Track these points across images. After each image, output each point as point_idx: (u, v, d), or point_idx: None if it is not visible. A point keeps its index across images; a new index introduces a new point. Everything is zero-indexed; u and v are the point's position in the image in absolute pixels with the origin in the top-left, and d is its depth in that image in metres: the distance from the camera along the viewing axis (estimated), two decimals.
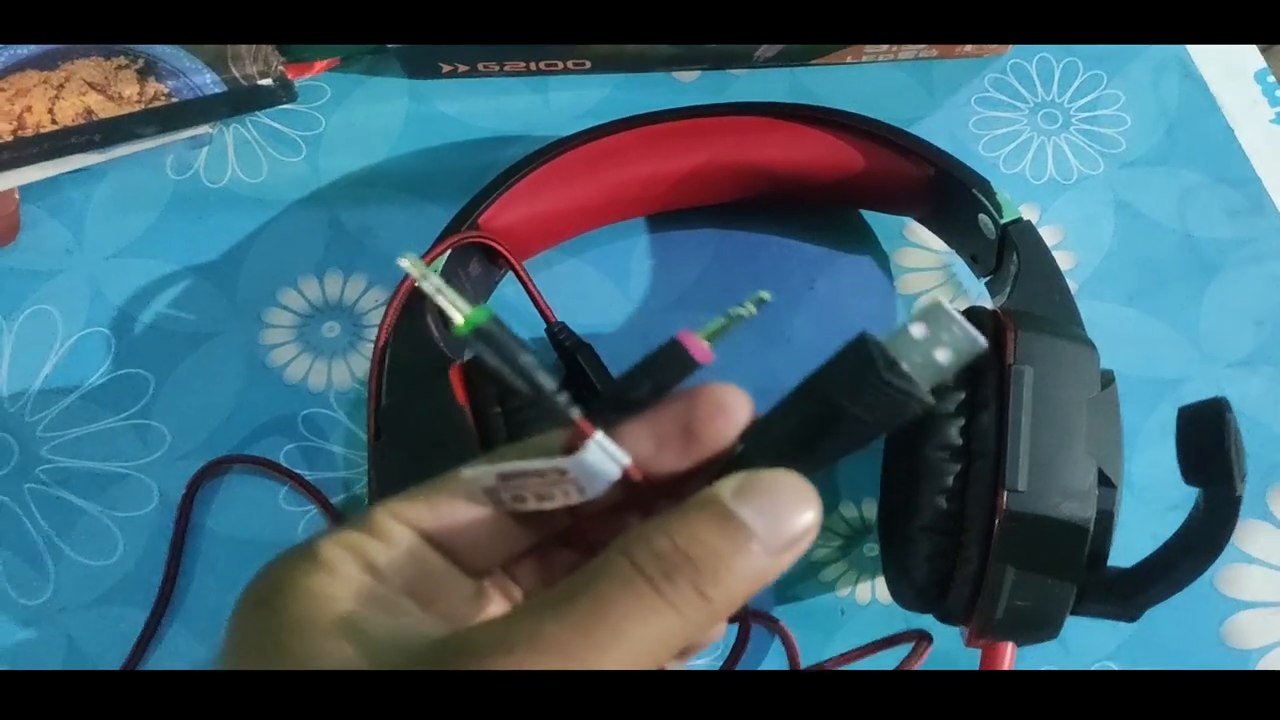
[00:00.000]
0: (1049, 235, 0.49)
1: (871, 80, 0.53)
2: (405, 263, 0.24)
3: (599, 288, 0.49)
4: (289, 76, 0.50)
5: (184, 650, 0.44)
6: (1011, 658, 0.38)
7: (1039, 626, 0.37)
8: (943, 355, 0.23)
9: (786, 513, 0.22)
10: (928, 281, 0.49)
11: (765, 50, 0.52)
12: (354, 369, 0.47)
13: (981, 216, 0.44)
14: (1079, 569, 0.36)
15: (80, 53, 0.49)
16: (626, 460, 0.23)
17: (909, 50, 0.53)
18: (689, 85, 0.53)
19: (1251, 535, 0.46)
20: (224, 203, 0.50)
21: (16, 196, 0.50)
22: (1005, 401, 0.36)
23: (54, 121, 0.48)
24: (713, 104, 0.47)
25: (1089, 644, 0.44)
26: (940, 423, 0.37)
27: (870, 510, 0.46)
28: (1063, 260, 0.48)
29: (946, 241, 0.48)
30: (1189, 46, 0.54)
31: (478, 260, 0.45)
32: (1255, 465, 0.37)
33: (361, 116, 0.52)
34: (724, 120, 0.46)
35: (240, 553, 0.45)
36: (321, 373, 0.47)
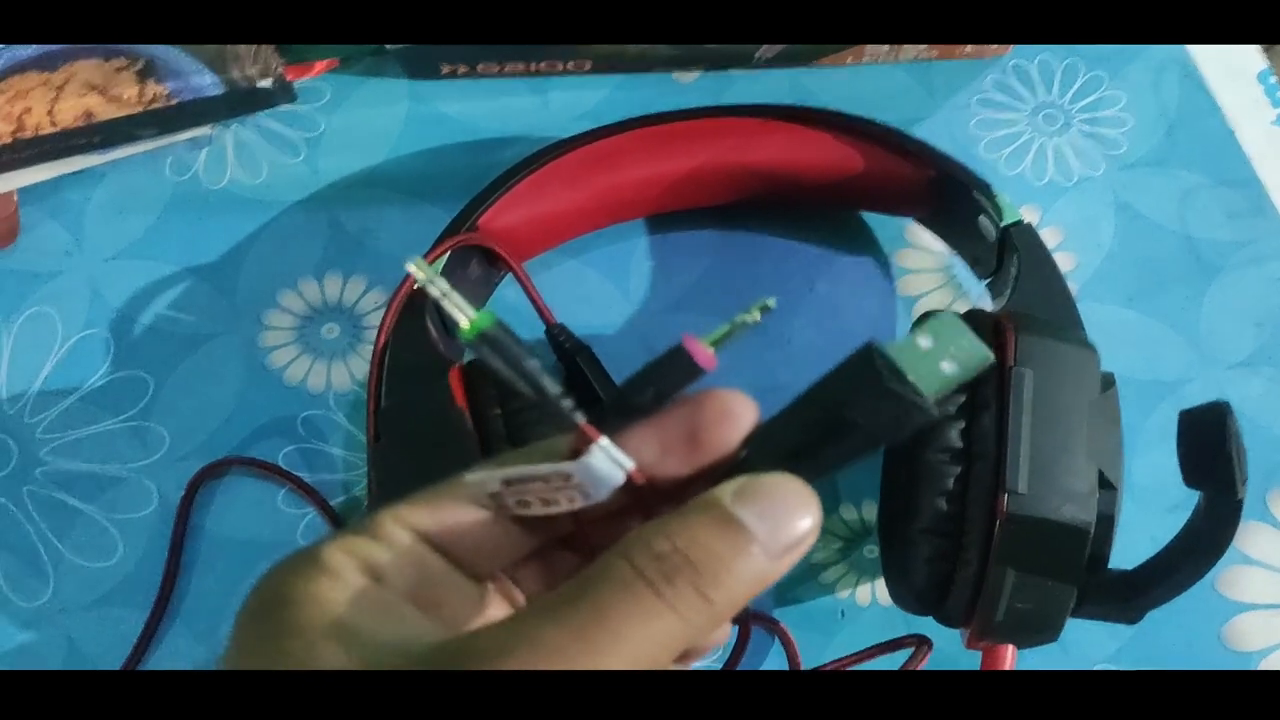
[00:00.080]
0: (1049, 237, 0.49)
1: (872, 81, 0.53)
2: (412, 267, 0.24)
3: (599, 289, 0.49)
4: (288, 78, 0.50)
5: (183, 651, 0.44)
6: (1012, 660, 0.38)
7: (1039, 629, 0.37)
8: (949, 367, 0.23)
9: (787, 516, 0.22)
10: (928, 283, 0.49)
11: (765, 51, 0.52)
12: (353, 371, 0.47)
13: (982, 218, 0.44)
14: (1079, 571, 0.36)
15: (80, 54, 0.49)
16: (631, 465, 0.23)
17: (909, 51, 0.53)
18: (689, 86, 0.53)
19: (1252, 537, 0.46)
20: (223, 204, 0.50)
21: (16, 198, 0.50)
22: (1006, 404, 0.36)
23: (53, 123, 0.48)
24: (713, 105, 0.47)
25: (1089, 646, 0.44)
26: (940, 425, 0.37)
27: (870, 512, 0.46)
28: (1063, 262, 0.48)
29: (947, 243, 0.48)
30: (1190, 47, 0.54)
31: (477, 262, 0.45)
32: (1256, 467, 0.37)
33: (361, 118, 0.52)
34: (724, 122, 0.46)
35: (239, 554, 0.45)
36: (321, 374, 0.47)
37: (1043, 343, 0.37)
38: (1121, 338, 0.48)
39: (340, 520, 0.45)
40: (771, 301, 0.24)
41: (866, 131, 0.46)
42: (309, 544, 0.24)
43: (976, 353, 0.23)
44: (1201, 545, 0.34)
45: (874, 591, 0.45)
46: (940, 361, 0.23)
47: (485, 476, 0.24)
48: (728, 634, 0.26)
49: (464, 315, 0.23)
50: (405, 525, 0.24)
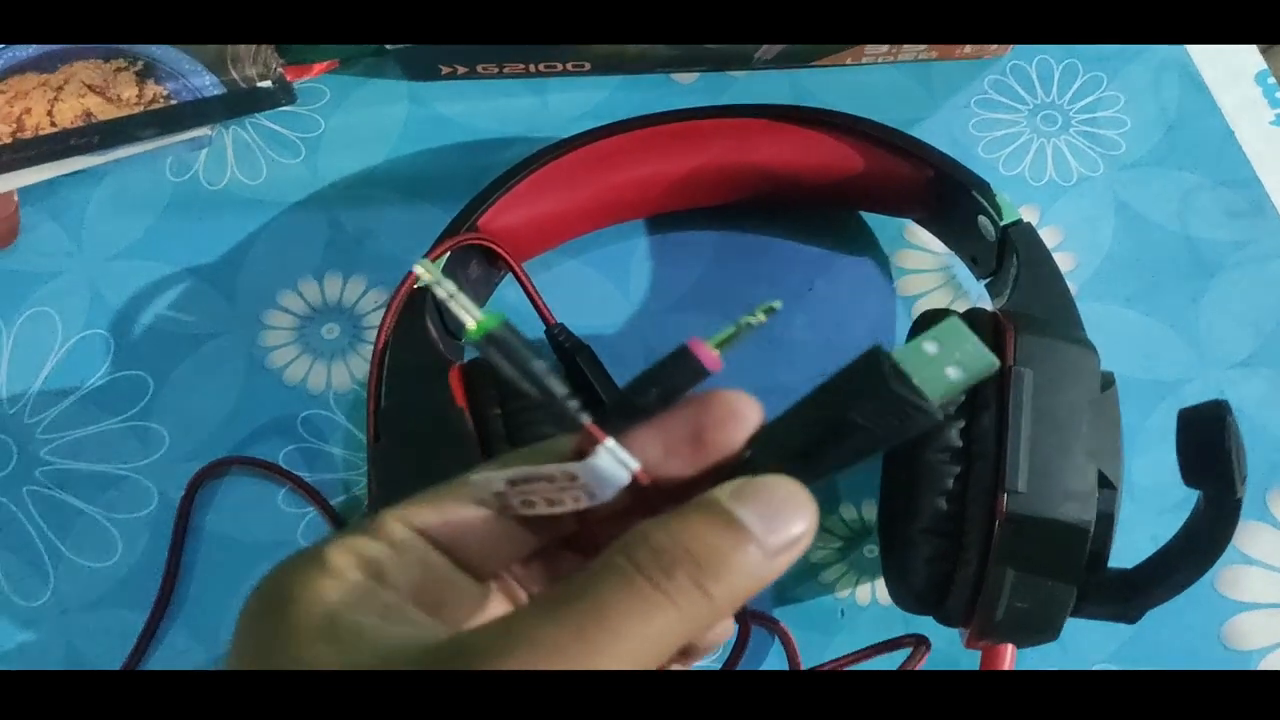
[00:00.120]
0: (1049, 237, 0.49)
1: (871, 82, 0.53)
2: (419, 269, 0.24)
3: (599, 289, 0.49)
4: (288, 78, 0.50)
5: (183, 651, 0.44)
6: (1011, 660, 0.38)
7: (1039, 628, 0.37)
8: (954, 373, 0.23)
9: (783, 515, 0.23)
10: (928, 283, 0.49)
11: (765, 52, 0.52)
12: (353, 371, 0.47)
13: (981, 218, 0.44)
14: (1079, 571, 0.36)
15: (79, 55, 0.49)
16: (636, 466, 0.23)
17: (908, 52, 0.53)
18: (688, 87, 0.53)
19: (1252, 537, 0.46)
20: (223, 205, 0.50)
21: (16, 199, 0.50)
22: (1005, 403, 0.36)
23: (53, 124, 0.48)
24: (712, 106, 0.47)
25: (1089, 646, 0.44)
26: (940, 425, 0.37)
27: (870, 512, 0.46)
28: (1062, 262, 0.48)
29: (946, 243, 0.48)
30: (1189, 48, 0.54)
31: (477, 262, 0.45)
32: (1255, 467, 0.37)
33: (361, 118, 0.52)
34: (723, 122, 0.46)
35: (239, 554, 0.45)
36: (321, 374, 0.47)
37: (1042, 342, 0.37)
38: (1121, 337, 0.48)
39: (341, 520, 0.45)
40: (777, 304, 0.24)
41: (866, 132, 0.46)
42: (311, 544, 0.24)
43: (982, 359, 0.23)
44: (1201, 544, 0.34)
45: (874, 591, 0.45)
46: (945, 367, 0.23)
47: (490, 476, 0.24)
48: (729, 634, 0.26)
49: (471, 316, 0.23)
50: (408, 525, 0.24)
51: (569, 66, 0.52)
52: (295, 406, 0.47)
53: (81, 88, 0.48)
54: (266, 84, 0.49)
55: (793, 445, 0.24)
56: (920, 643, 0.42)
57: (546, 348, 0.45)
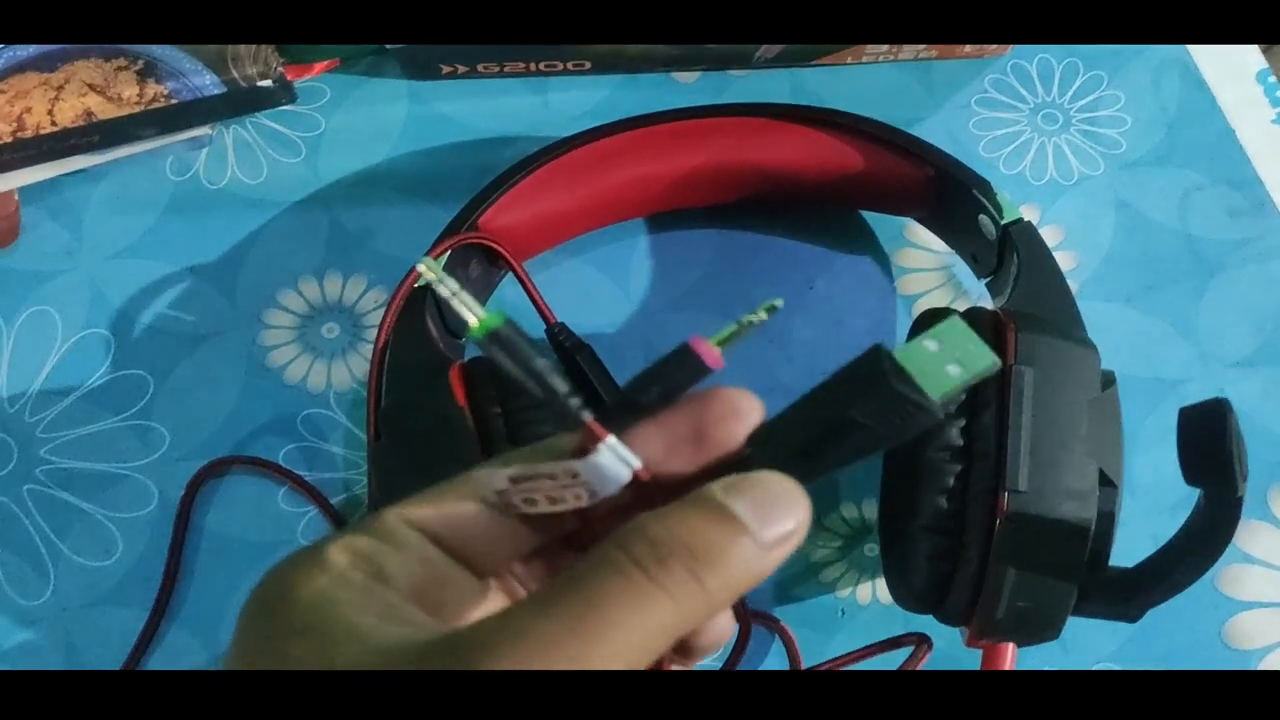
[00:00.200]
0: (1049, 236, 0.49)
1: (871, 81, 0.53)
2: (422, 267, 0.24)
3: (599, 288, 0.49)
4: (288, 78, 0.50)
5: (184, 650, 0.44)
6: (1012, 658, 0.38)
7: (1040, 627, 0.37)
8: (955, 371, 0.23)
9: (777, 509, 0.23)
10: (928, 282, 0.49)
11: (765, 51, 0.52)
12: (353, 370, 0.47)
13: (982, 217, 0.44)
14: (1080, 569, 0.36)
15: (80, 54, 0.49)
16: (637, 463, 0.23)
17: (909, 51, 0.53)
18: (689, 86, 0.53)
19: (1252, 536, 0.46)
20: (224, 204, 0.50)
21: (16, 198, 0.50)
22: (1006, 402, 0.36)
23: (54, 123, 0.48)
24: (712, 105, 0.47)
25: (1089, 644, 0.44)
26: (941, 424, 0.37)
27: (871, 511, 0.46)
28: (1063, 261, 0.48)
29: (947, 242, 0.48)
30: (1189, 47, 0.54)
31: (477, 261, 0.45)
32: (1256, 465, 0.37)
33: (361, 118, 0.52)
34: (724, 121, 0.46)
35: (240, 553, 0.45)
36: (321, 373, 0.47)
37: (1043, 341, 0.37)
38: (1122, 336, 0.48)
39: (341, 518, 0.45)
40: (779, 302, 0.24)
41: (866, 131, 0.46)
42: (311, 542, 0.24)
43: (983, 358, 0.23)
44: (1202, 543, 0.34)
45: (874, 590, 0.45)
46: (946, 365, 0.23)
47: (492, 473, 0.24)
48: (729, 634, 0.26)
49: (473, 314, 0.23)
50: (409, 523, 0.24)
51: (569, 66, 0.52)
52: (295, 405, 0.47)
53: (82, 87, 0.48)
54: (267, 83, 0.49)
55: (793, 443, 0.24)
56: (922, 641, 0.42)
57: (547, 347, 0.45)
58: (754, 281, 0.49)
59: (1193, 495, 0.35)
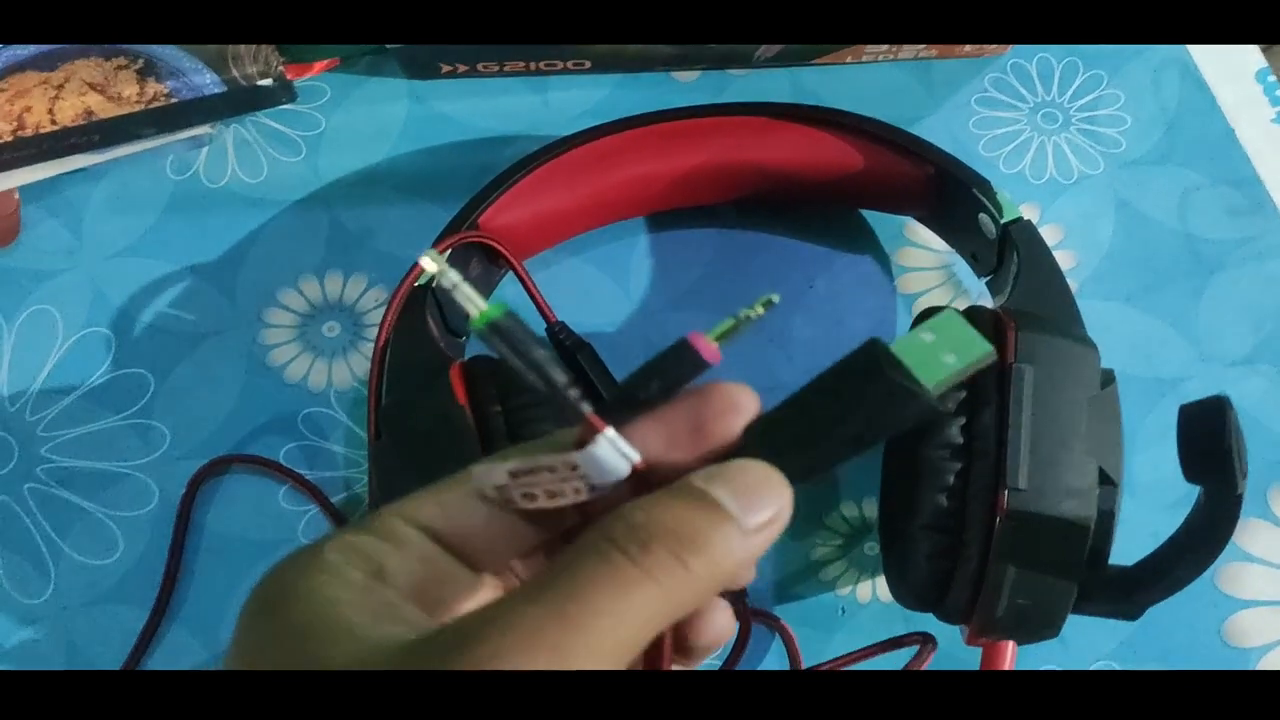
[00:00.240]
0: (1049, 235, 0.49)
1: (871, 80, 0.53)
2: (425, 259, 0.24)
3: (599, 287, 0.49)
4: (289, 77, 0.50)
5: (184, 649, 0.44)
6: (1012, 657, 0.38)
7: (1040, 625, 0.37)
8: (950, 359, 0.23)
9: (757, 494, 0.23)
10: (928, 281, 0.49)
11: (765, 50, 0.52)
12: (354, 368, 0.47)
13: (982, 216, 0.44)
14: (1080, 567, 0.36)
15: (80, 53, 0.49)
16: (636, 457, 0.24)
17: (909, 50, 0.53)
18: (689, 85, 0.53)
19: (1252, 534, 0.46)
20: (224, 203, 0.50)
21: (17, 197, 0.50)
22: (1006, 400, 0.36)
23: (54, 122, 0.48)
24: (712, 104, 0.47)
25: (1089, 643, 0.44)
26: (941, 421, 0.37)
27: (870, 509, 0.46)
28: (1063, 260, 0.48)
29: (947, 241, 0.48)
30: (1189, 46, 0.54)
31: (478, 260, 0.45)
32: (1255, 464, 0.37)
33: (361, 117, 0.52)
34: (724, 120, 0.46)
35: (240, 552, 0.45)
36: (322, 372, 0.47)
37: (1043, 339, 0.37)
38: (1121, 335, 0.48)
39: (342, 517, 0.45)
40: (775, 297, 0.24)
41: (866, 130, 0.46)
42: (311, 541, 0.24)
43: (978, 346, 0.23)
44: (1202, 540, 0.34)
45: (874, 588, 0.45)
46: (942, 356, 0.23)
47: (491, 468, 0.24)
48: (729, 632, 0.26)
49: (474, 306, 0.23)
50: (409, 521, 0.24)
51: (569, 65, 0.52)
52: (296, 404, 0.47)
53: (82, 86, 0.48)
54: (267, 82, 0.49)
55: (790, 436, 0.24)
56: (927, 641, 0.42)
57: (547, 346, 0.45)
58: (754, 280, 0.49)
59: (1192, 494, 0.35)
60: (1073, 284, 0.43)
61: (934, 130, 0.51)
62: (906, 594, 0.39)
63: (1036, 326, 0.38)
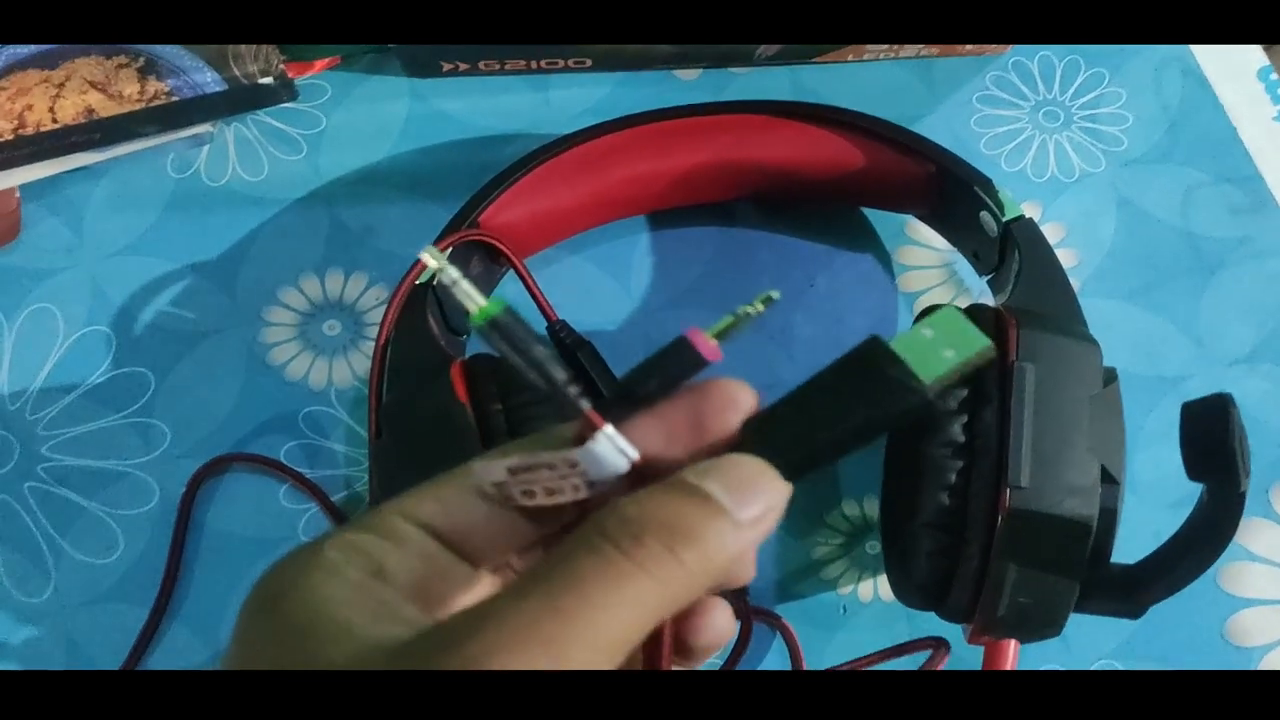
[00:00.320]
0: (1051, 233, 0.49)
1: (872, 78, 0.53)
2: (426, 255, 0.24)
3: (600, 285, 0.49)
4: (289, 75, 0.50)
5: (184, 648, 0.44)
6: (1014, 655, 0.38)
7: (1042, 624, 0.37)
8: (949, 353, 0.23)
9: (749, 487, 0.23)
10: (929, 279, 0.49)
11: (766, 48, 0.52)
12: (355, 367, 0.47)
13: (983, 214, 0.44)
14: (1082, 566, 0.36)
15: (81, 51, 0.49)
16: (635, 454, 0.24)
17: (910, 48, 0.53)
18: (690, 83, 0.53)
19: (1254, 533, 0.46)
20: (225, 201, 0.50)
21: (17, 195, 0.50)
22: (1008, 398, 0.36)
23: (55, 120, 0.48)
24: (713, 102, 0.47)
25: (1091, 641, 0.44)
26: (942, 420, 0.37)
27: (872, 508, 0.46)
28: (1065, 258, 0.48)
29: (948, 239, 0.48)
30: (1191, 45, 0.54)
31: (479, 258, 0.45)
32: (1257, 463, 0.37)
33: (362, 115, 0.52)
34: (725, 118, 0.46)
35: (241, 551, 0.45)
36: (322, 371, 0.47)
37: (1045, 338, 0.37)
38: (1123, 333, 0.48)
39: (342, 516, 0.45)
40: (775, 294, 0.24)
41: (867, 128, 0.46)
42: (309, 540, 0.24)
43: (977, 341, 0.24)
44: (1204, 538, 0.34)
45: (876, 587, 0.45)
46: (941, 351, 0.23)
47: (490, 465, 0.24)
48: (730, 632, 0.26)
49: (474, 302, 0.23)
50: (409, 518, 0.24)
51: (570, 63, 0.52)
52: (297, 403, 0.47)
53: (83, 84, 0.48)
54: (268, 80, 0.49)
55: (789, 431, 0.24)
56: (939, 645, 0.42)
57: (548, 344, 0.45)
58: (755, 279, 0.49)
59: (1194, 494, 0.35)
60: (1074, 282, 0.43)
61: (935, 128, 0.51)
62: (908, 592, 0.39)
63: (1038, 325, 0.38)
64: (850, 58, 0.53)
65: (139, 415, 0.47)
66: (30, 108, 0.48)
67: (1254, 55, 0.54)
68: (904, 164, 0.45)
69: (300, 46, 0.52)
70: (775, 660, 0.44)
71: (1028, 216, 0.43)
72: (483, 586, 0.26)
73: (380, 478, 0.40)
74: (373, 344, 0.42)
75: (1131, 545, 0.37)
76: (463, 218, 0.44)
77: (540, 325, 0.45)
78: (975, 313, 0.39)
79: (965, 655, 0.42)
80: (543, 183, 0.45)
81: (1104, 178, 0.51)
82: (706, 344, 0.24)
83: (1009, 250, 0.43)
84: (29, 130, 0.47)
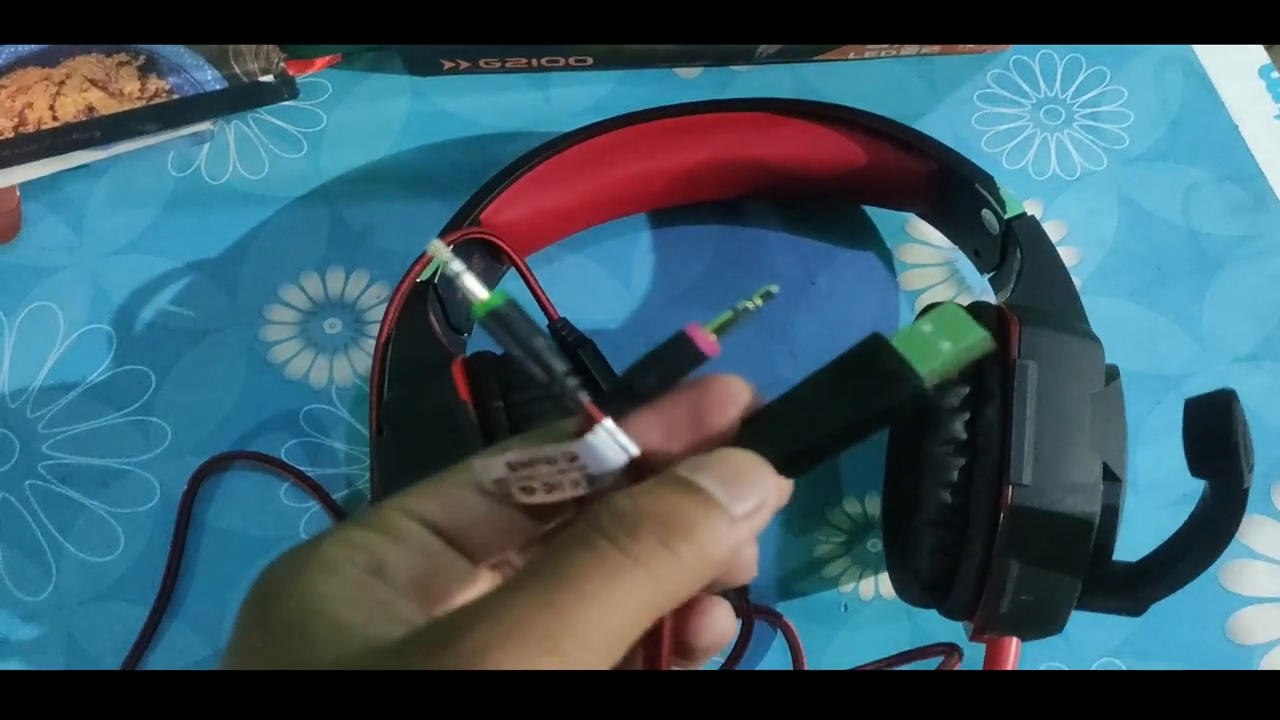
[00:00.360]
0: (1052, 231, 0.49)
1: (874, 76, 0.53)
2: (431, 247, 0.24)
3: (601, 283, 0.49)
4: (290, 73, 0.50)
5: (185, 646, 0.44)
6: (1016, 653, 0.38)
7: (1043, 621, 0.37)
8: (948, 347, 0.23)
9: (742, 482, 0.23)
10: (931, 277, 0.49)
11: (767, 47, 0.51)
12: (355, 365, 0.47)
13: (985, 212, 0.43)
14: (1084, 563, 0.36)
15: (81, 49, 0.49)
16: (634, 449, 0.24)
17: (911, 46, 0.52)
18: (691, 82, 0.53)
19: (1256, 531, 0.45)
20: (225, 199, 0.50)
21: (18, 193, 0.50)
22: (1010, 396, 0.36)
23: (55, 118, 0.48)
24: (714, 100, 0.47)
25: (1093, 639, 0.44)
26: (944, 417, 0.37)
27: (874, 505, 0.46)
28: (1067, 256, 0.47)
29: (949, 237, 0.48)
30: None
31: (480, 256, 0.45)
32: (1260, 461, 0.37)
33: (363, 113, 0.52)
34: (726, 116, 0.46)
35: (241, 549, 0.45)
36: (323, 369, 0.47)
37: (1047, 335, 0.37)
38: (1125, 331, 0.48)
39: (344, 514, 0.45)
40: (774, 288, 0.24)
41: (869, 126, 0.45)
42: (309, 537, 0.24)
43: (974, 334, 0.24)
44: (1207, 534, 0.34)
45: (877, 585, 0.45)
46: (939, 343, 0.23)
47: (490, 461, 0.24)
48: (731, 632, 0.26)
49: (477, 294, 0.23)
50: (409, 514, 0.24)
51: (571, 61, 0.52)
52: (297, 401, 0.47)
53: (84, 82, 0.48)
54: (268, 79, 0.49)
55: (787, 426, 0.24)
56: (952, 650, 0.42)
57: (548, 337, 0.45)
58: (756, 277, 0.49)
59: (1196, 492, 0.35)
60: (1076, 280, 0.43)
61: (936, 126, 0.51)
62: (910, 590, 0.39)
63: (1040, 322, 0.38)
64: (851, 56, 0.53)
65: (140, 413, 0.47)
66: (31, 105, 0.47)
67: (1256, 54, 0.54)
68: (905, 161, 0.45)
69: (301, 46, 0.52)
70: (776, 658, 0.44)
71: (1029, 214, 0.42)
72: (483, 583, 0.26)
73: (381, 475, 0.40)
74: (374, 342, 0.42)
75: (1133, 543, 0.37)
76: (464, 216, 0.44)
77: (541, 323, 0.45)
78: (977, 310, 0.39)
79: (966, 653, 0.41)
80: (544, 181, 0.45)
81: (1105, 176, 0.51)
82: (705, 339, 0.24)
83: (1010, 248, 0.43)
84: (29, 128, 0.47)
